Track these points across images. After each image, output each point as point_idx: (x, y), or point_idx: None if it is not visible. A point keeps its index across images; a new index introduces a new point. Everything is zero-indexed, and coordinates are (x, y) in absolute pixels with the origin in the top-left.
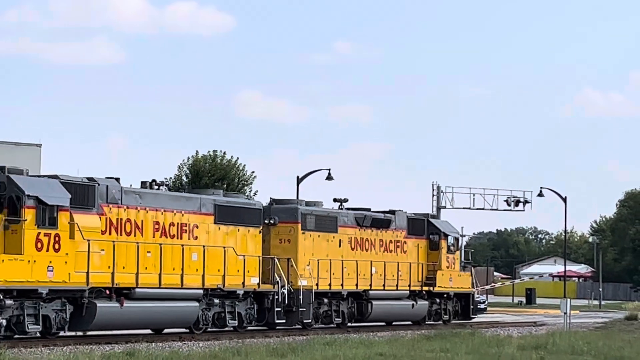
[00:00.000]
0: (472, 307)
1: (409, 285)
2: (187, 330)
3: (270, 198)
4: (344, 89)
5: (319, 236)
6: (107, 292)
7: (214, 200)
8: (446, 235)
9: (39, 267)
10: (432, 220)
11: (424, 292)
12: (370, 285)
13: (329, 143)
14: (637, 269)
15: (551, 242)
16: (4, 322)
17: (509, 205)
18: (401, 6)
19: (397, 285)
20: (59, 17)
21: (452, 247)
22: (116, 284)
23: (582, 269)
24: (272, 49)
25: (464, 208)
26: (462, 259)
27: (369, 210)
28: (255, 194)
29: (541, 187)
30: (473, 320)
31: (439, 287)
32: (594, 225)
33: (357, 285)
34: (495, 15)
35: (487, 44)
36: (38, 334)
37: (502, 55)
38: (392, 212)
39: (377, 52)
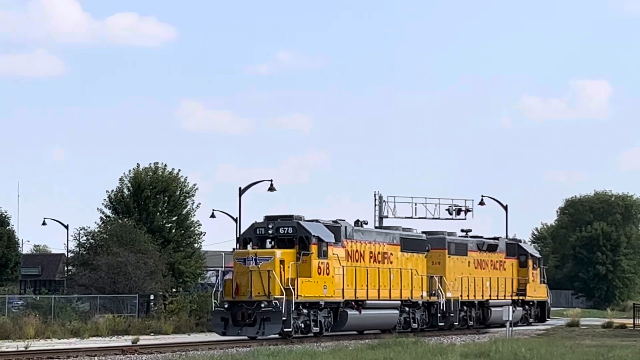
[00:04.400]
0: (546, 312)
1: (511, 296)
2: (379, 331)
3: (422, 231)
4: (285, 99)
5: (457, 259)
6: (353, 303)
7: (400, 234)
8: (532, 256)
9: (319, 286)
10: (521, 244)
11: (519, 301)
12: (490, 295)
13: (271, 154)
14: (578, 276)
15: None
16: (302, 325)
17: (450, 214)
18: (341, 15)
19: (504, 296)
20: None
21: (535, 265)
22: (357, 298)
23: None
24: (213, 59)
25: (405, 217)
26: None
27: (482, 237)
28: (197, 206)
29: (482, 196)
30: (547, 322)
31: (528, 296)
32: (535, 232)
33: (482, 296)
34: (434, 23)
35: (427, 51)
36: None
37: (441, 63)
38: (497, 238)
39: (317, 60)
